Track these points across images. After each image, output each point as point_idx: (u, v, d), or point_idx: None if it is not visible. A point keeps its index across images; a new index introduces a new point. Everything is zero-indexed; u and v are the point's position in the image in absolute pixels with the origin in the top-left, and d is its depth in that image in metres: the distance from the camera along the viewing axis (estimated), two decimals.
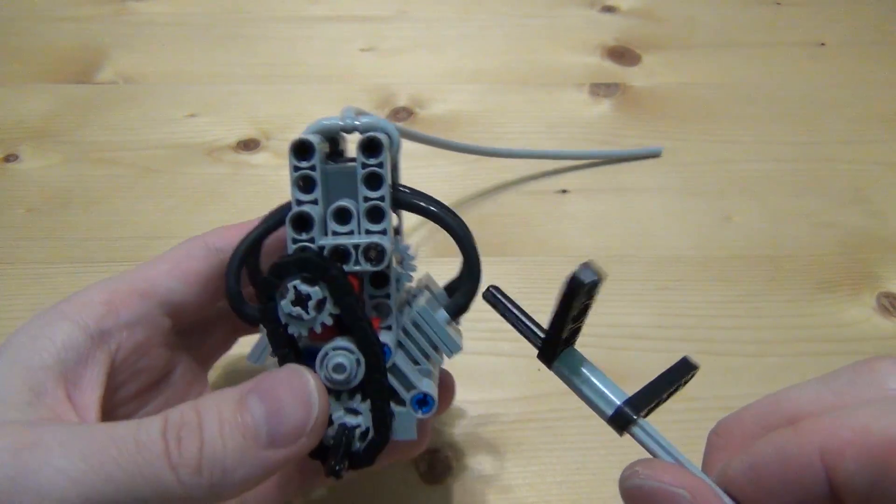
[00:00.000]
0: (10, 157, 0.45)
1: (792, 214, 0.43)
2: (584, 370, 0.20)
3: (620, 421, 0.19)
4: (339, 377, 0.22)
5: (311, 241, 0.22)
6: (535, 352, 0.21)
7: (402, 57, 0.54)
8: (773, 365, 0.35)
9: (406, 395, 0.23)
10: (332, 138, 0.24)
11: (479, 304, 0.37)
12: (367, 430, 0.23)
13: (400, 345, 0.23)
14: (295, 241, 0.22)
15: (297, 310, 0.21)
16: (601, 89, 0.51)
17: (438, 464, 0.31)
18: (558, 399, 0.33)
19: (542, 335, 0.20)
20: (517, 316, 0.21)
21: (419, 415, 0.23)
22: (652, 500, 0.17)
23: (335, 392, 0.22)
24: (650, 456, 0.19)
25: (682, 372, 0.20)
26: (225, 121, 0.48)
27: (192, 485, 0.18)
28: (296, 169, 0.22)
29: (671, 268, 0.39)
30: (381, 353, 0.22)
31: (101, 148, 0.46)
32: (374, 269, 0.22)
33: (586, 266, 0.18)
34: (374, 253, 0.22)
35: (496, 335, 0.34)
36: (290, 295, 0.21)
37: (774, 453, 0.17)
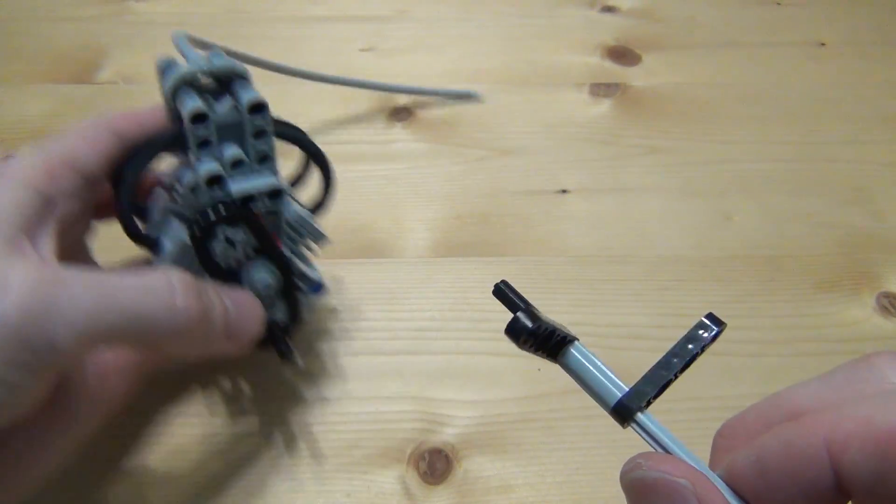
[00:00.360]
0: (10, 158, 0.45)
1: (792, 214, 0.43)
2: (588, 363, 0.21)
3: (623, 412, 0.19)
4: (264, 290, 0.29)
5: (225, 193, 0.27)
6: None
7: (402, 57, 0.54)
8: (773, 365, 0.35)
9: (304, 286, 0.31)
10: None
11: (481, 305, 0.37)
12: (286, 320, 0.31)
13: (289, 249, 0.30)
14: (212, 197, 0.27)
15: (228, 248, 0.27)
16: (601, 89, 0.51)
17: (438, 464, 0.31)
18: (558, 399, 0.33)
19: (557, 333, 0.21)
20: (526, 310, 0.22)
21: (317, 297, 0.32)
22: (654, 490, 0.17)
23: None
24: (651, 450, 0.19)
25: (699, 336, 0.20)
26: None
27: (181, 329, 0.23)
28: (196, 136, 0.27)
29: (671, 268, 0.39)
30: (289, 266, 0.29)
31: None
32: (274, 208, 0.29)
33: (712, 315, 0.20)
34: (276, 192, 0.28)
35: (496, 335, 0.34)
36: (221, 239, 0.27)
37: (779, 446, 0.17)
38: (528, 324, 0.19)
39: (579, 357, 0.21)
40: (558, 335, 0.21)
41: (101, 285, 0.22)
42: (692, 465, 0.18)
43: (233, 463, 0.31)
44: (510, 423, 0.32)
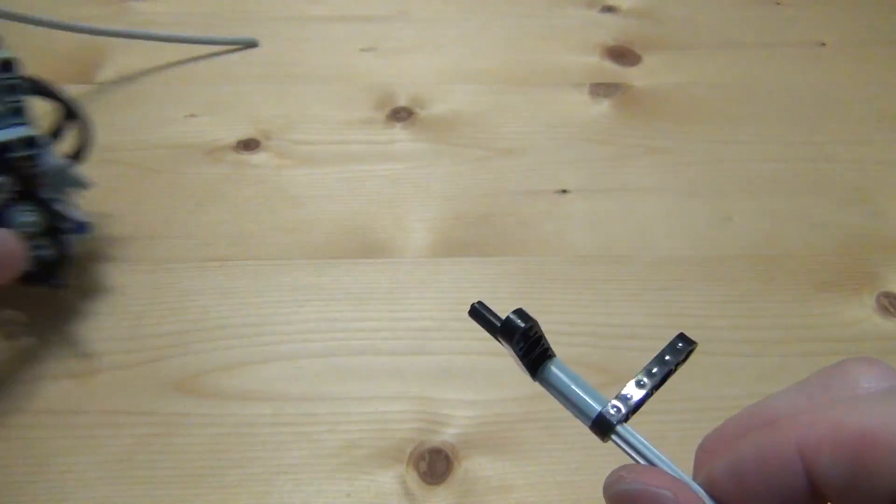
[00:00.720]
0: None
1: (792, 214, 0.43)
2: (567, 377, 0.21)
3: (603, 426, 0.20)
4: (31, 229, 0.33)
5: None
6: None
7: (402, 57, 0.54)
8: (773, 365, 0.35)
9: (69, 226, 0.35)
10: None
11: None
12: (54, 256, 0.34)
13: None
14: None
15: None
16: (601, 89, 0.51)
17: (438, 464, 0.31)
18: None
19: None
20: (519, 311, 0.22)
21: (82, 235, 0.35)
22: (637, 502, 0.17)
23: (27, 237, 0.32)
24: (632, 461, 0.19)
25: (675, 353, 0.20)
26: (225, 121, 0.48)
27: None
28: None
29: (671, 268, 0.39)
30: (50, 208, 0.33)
31: (101, 148, 0.46)
32: (31, 152, 0.32)
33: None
34: (30, 140, 0.32)
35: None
36: None
37: (754, 453, 0.17)
38: (522, 324, 0.19)
39: (559, 372, 0.21)
40: (544, 344, 0.21)
41: None
42: (674, 475, 0.18)
43: (233, 464, 0.31)
44: (510, 423, 0.32)
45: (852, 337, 0.37)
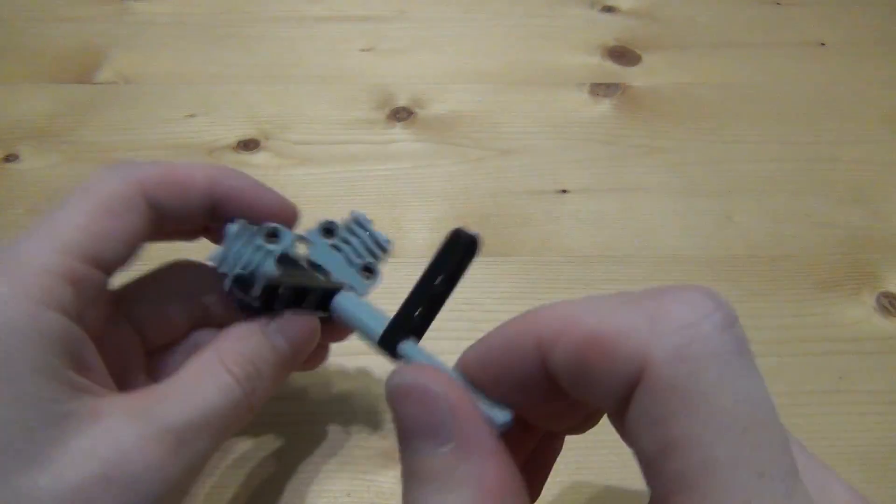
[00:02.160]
0: (10, 157, 0.45)
1: (792, 214, 0.43)
2: (354, 306, 0.23)
3: (386, 344, 0.21)
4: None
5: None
6: None
7: (402, 57, 0.54)
8: (773, 365, 0.35)
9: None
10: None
11: (481, 304, 0.37)
12: None
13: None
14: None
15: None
16: (601, 89, 0.51)
17: None
18: None
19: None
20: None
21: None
22: (410, 396, 0.18)
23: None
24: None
25: (452, 253, 0.21)
26: (225, 121, 0.48)
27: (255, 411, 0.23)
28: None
29: (671, 268, 0.39)
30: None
31: (102, 148, 0.46)
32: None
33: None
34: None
35: None
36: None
37: (500, 341, 0.18)
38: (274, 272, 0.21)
39: (346, 302, 0.23)
40: (321, 288, 0.23)
41: (166, 432, 0.20)
42: (449, 375, 0.19)
43: (233, 464, 0.31)
44: None
45: (852, 337, 0.37)
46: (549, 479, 0.30)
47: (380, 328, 0.21)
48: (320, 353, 0.29)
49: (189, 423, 0.20)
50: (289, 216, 0.26)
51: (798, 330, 0.37)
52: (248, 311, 0.25)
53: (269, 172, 0.45)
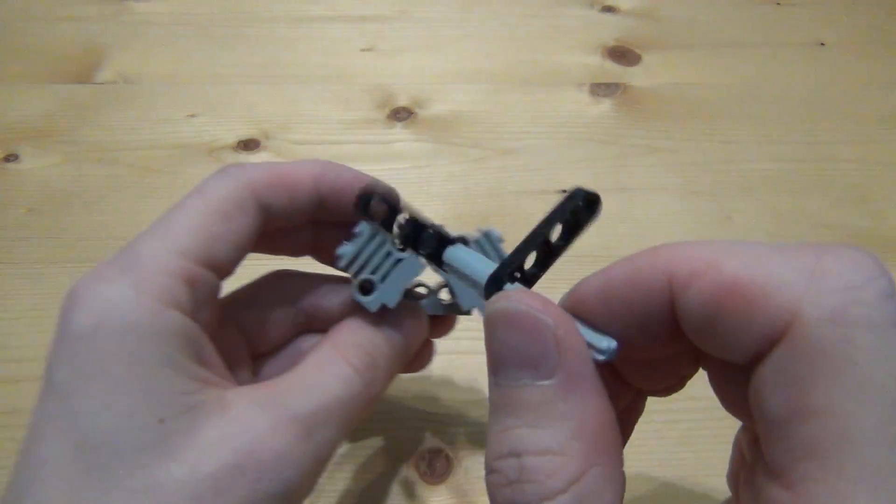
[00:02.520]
0: (10, 157, 0.45)
1: (792, 214, 0.43)
2: (467, 254, 0.22)
3: (496, 284, 0.19)
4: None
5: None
6: None
7: (402, 57, 0.54)
8: None
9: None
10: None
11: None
12: None
13: None
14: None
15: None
16: (601, 89, 0.51)
17: (438, 464, 0.31)
18: None
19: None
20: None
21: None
22: (517, 322, 0.17)
23: None
24: None
25: (572, 210, 0.20)
26: (225, 121, 0.48)
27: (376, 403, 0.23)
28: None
29: None
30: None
31: (101, 148, 0.46)
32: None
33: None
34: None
35: None
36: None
37: (627, 273, 0.17)
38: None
39: (459, 251, 0.23)
40: (437, 231, 0.23)
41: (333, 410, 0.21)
42: (561, 308, 0.17)
43: None
44: None
45: None
46: None
47: (485, 272, 0.20)
48: (426, 352, 0.29)
49: (315, 412, 0.21)
50: (393, 203, 0.25)
51: None
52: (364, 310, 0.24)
53: None
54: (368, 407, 0.23)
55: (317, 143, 0.46)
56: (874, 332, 0.13)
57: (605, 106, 0.50)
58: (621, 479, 0.16)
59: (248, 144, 0.46)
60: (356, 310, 0.25)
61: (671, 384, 0.20)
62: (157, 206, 0.42)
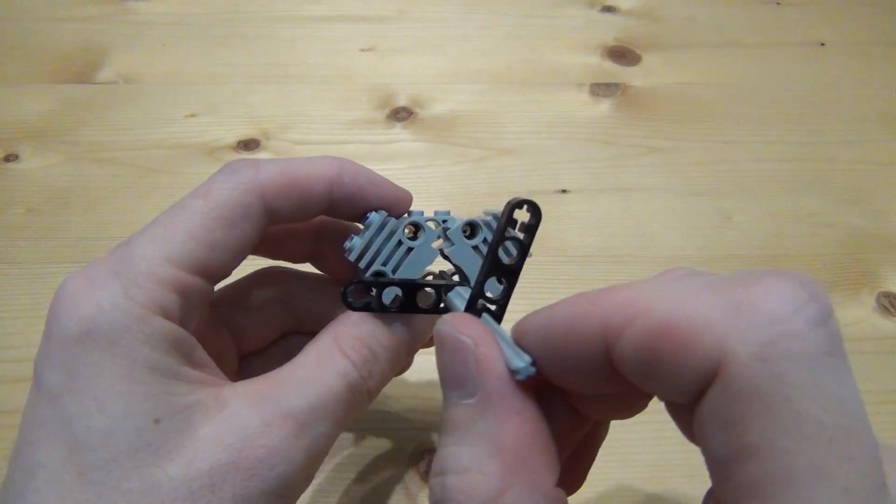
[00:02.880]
0: (10, 157, 0.45)
1: (792, 214, 0.43)
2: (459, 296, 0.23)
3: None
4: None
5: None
6: None
7: (402, 57, 0.54)
8: None
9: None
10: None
11: None
12: None
13: None
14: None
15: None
16: (601, 89, 0.51)
17: None
18: None
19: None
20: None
21: None
22: (444, 344, 0.18)
23: None
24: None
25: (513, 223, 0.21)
26: (225, 121, 0.48)
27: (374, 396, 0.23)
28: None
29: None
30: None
31: (101, 148, 0.46)
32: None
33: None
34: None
35: None
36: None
37: (565, 316, 0.17)
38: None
39: (455, 296, 0.23)
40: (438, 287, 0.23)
41: (322, 400, 0.21)
42: (484, 326, 0.18)
43: None
44: None
45: (852, 337, 0.37)
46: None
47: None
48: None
49: (310, 408, 0.21)
50: (403, 206, 0.25)
51: None
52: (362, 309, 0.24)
53: None
54: (367, 401, 0.23)
55: (317, 143, 0.46)
56: (805, 365, 0.13)
57: (604, 106, 0.50)
58: (551, 498, 0.16)
59: (248, 144, 0.46)
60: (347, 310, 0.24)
61: (629, 411, 0.20)
62: (157, 206, 0.42)
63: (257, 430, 0.20)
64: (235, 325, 0.25)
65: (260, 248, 0.24)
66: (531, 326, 0.18)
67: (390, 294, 0.23)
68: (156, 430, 0.19)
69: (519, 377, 0.17)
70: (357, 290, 0.23)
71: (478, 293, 0.21)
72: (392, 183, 0.24)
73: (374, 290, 0.23)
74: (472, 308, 0.21)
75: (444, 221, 0.24)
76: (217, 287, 0.23)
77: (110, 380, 0.19)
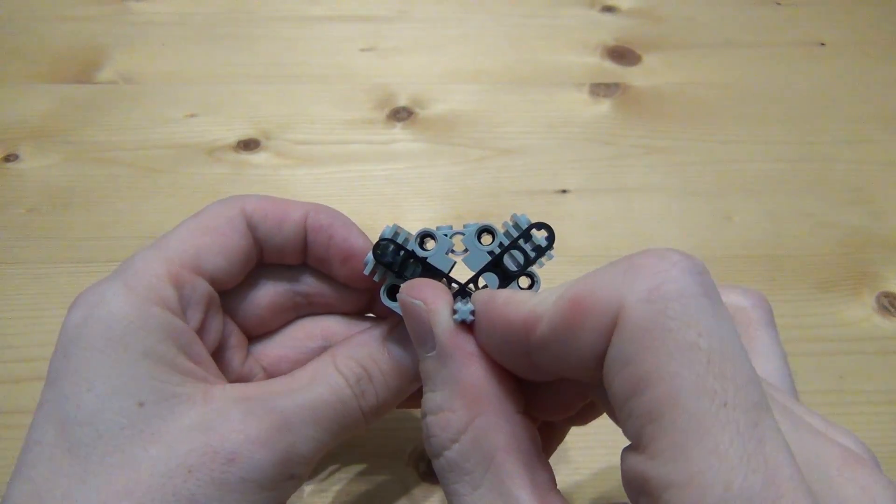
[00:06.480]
0: (10, 157, 0.45)
1: (792, 214, 0.43)
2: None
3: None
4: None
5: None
6: None
7: (402, 57, 0.54)
8: None
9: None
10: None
11: None
12: None
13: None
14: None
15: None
16: (601, 89, 0.51)
17: None
18: None
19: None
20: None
21: None
22: (404, 307, 0.21)
23: None
24: None
25: (533, 248, 0.23)
26: (225, 121, 0.48)
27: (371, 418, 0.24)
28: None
29: None
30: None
31: (101, 148, 0.46)
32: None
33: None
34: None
35: None
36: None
37: (500, 325, 0.19)
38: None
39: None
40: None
41: (321, 413, 0.22)
42: (433, 289, 0.21)
43: None
44: None
45: (852, 337, 0.37)
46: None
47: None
48: None
49: (296, 408, 0.22)
50: (363, 249, 0.26)
51: (798, 330, 0.37)
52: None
53: (269, 172, 0.45)
54: (361, 420, 0.23)
55: (317, 143, 0.47)
56: (683, 302, 0.15)
57: (604, 106, 0.50)
58: (516, 423, 0.19)
59: (249, 144, 0.46)
60: (370, 308, 0.26)
61: (577, 415, 0.23)
62: (157, 206, 0.42)
63: (239, 420, 0.21)
64: (243, 311, 0.26)
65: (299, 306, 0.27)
66: (483, 297, 0.20)
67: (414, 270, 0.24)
68: (139, 412, 0.20)
69: (456, 318, 0.20)
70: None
71: (472, 280, 0.23)
72: (365, 236, 0.26)
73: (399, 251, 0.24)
74: (462, 290, 0.23)
75: (451, 229, 0.24)
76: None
77: (102, 362, 0.20)
